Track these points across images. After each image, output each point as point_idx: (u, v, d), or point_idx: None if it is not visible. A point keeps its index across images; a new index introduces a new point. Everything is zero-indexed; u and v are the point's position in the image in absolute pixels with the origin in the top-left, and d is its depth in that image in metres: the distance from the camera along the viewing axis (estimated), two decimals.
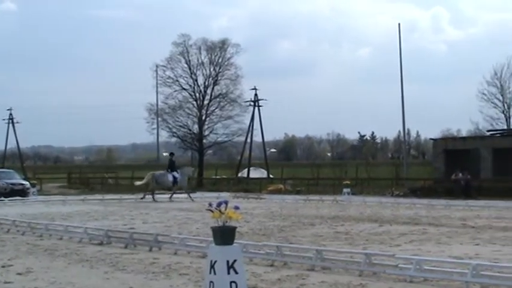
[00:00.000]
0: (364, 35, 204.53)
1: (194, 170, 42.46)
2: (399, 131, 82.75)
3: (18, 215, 25.64)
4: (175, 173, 39.65)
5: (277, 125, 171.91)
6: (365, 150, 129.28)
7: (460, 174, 43.88)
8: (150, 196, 38.52)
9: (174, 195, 39.50)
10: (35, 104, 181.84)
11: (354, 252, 13.34)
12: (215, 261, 8.78)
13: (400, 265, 11.46)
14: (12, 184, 44.13)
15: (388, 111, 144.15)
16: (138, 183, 41.58)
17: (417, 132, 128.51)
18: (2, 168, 57.51)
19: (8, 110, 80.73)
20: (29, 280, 11.54)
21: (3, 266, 13.31)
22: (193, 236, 16.94)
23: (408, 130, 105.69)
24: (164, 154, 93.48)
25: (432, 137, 59.65)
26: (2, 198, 38.57)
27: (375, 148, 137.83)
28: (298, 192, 46.07)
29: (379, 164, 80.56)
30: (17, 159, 78.95)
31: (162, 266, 12.89)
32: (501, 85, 62.79)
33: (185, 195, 39.23)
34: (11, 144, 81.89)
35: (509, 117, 62.51)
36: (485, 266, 11.15)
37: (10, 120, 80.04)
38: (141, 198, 38.39)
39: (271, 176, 67.26)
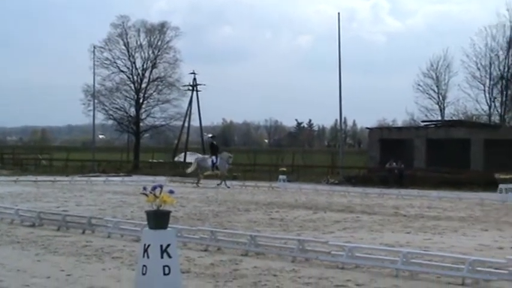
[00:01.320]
0: (305, 23, 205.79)
1: (231, 156, 39.66)
2: (336, 120, 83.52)
3: None
4: (214, 158, 38.55)
5: (215, 110, 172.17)
6: (302, 137, 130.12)
7: (394, 164, 44.47)
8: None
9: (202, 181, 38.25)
10: None
11: (287, 238, 13.43)
12: (148, 245, 8.73)
13: (332, 252, 11.58)
14: None
15: (325, 99, 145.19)
16: (188, 170, 41.30)
17: (354, 121, 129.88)
18: None
19: None
20: None
21: None
22: (127, 219, 16.85)
23: (345, 119, 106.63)
24: (100, 136, 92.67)
25: (368, 126, 60.16)
26: None
27: (311, 136, 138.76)
28: (234, 178, 46.07)
29: (316, 152, 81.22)
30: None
31: (95, 249, 12.79)
32: (437, 77, 63.62)
33: (219, 181, 37.59)
34: None
35: (444, 109, 63.45)
36: (416, 253, 11.35)
37: None
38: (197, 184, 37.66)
39: None
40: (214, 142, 40.56)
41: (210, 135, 47.72)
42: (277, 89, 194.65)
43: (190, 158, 70.36)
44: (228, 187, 36.25)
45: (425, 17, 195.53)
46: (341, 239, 14.33)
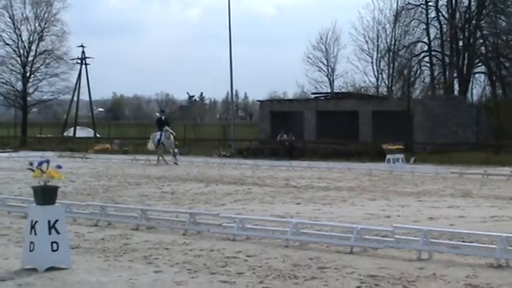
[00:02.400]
0: None
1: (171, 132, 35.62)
2: (227, 92, 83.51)
3: None
4: (159, 134, 35.18)
5: (105, 84, 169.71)
6: (194, 111, 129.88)
7: (285, 136, 45.03)
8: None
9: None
10: None
11: (179, 211, 13.43)
12: (36, 222, 8.60)
13: (223, 224, 11.65)
14: None
15: (217, 72, 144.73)
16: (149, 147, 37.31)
17: (245, 94, 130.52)
18: None
19: None
20: None
21: None
22: (14, 196, 16.47)
23: (236, 92, 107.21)
24: None
25: (259, 99, 60.61)
26: None
27: (203, 109, 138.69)
28: (125, 152, 45.72)
29: (207, 125, 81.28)
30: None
31: None
32: (326, 49, 64.63)
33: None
34: None
35: (333, 81, 64.54)
36: (305, 224, 11.54)
37: None
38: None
39: (98, 135, 66.40)
40: (162, 117, 36.98)
41: (159, 112, 42.98)
42: (168, 62, 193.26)
43: (81, 132, 69.42)
44: (176, 163, 33.40)
45: None
46: (232, 211, 14.42)
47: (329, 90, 62.11)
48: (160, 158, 34.52)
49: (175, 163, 33.52)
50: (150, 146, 36.53)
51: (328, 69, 64.55)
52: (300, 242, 10.64)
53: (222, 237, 11.27)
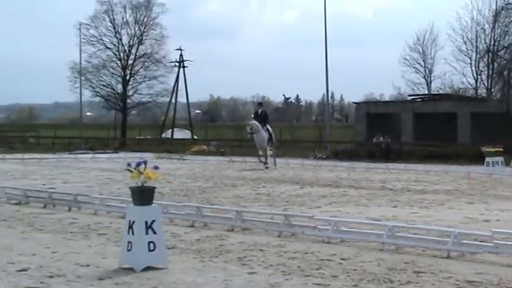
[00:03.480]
0: None
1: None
2: (323, 94, 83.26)
3: None
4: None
5: (202, 86, 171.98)
6: (289, 113, 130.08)
7: (381, 138, 44.58)
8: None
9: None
10: None
11: (273, 213, 13.43)
12: (133, 222, 8.76)
13: (318, 226, 11.60)
14: None
15: (313, 74, 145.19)
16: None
17: (341, 96, 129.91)
18: None
19: None
20: None
21: None
22: (113, 196, 16.81)
23: (332, 93, 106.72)
24: (88, 114, 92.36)
25: (355, 101, 60.18)
26: None
27: (299, 111, 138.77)
28: (221, 154, 46.14)
29: (303, 127, 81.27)
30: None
31: (81, 226, 12.77)
32: (423, 51, 63.56)
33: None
34: None
35: (430, 83, 63.43)
36: (402, 227, 11.38)
37: None
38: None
39: (195, 137, 67.24)
40: (259, 111, 33.62)
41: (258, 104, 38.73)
42: (264, 64, 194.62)
43: (178, 134, 70.47)
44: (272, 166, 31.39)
45: None
46: (327, 213, 14.35)
47: (426, 92, 61.14)
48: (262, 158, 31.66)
49: (264, 163, 31.14)
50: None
51: (425, 71, 63.50)
52: (396, 245, 10.51)
53: (316, 239, 11.23)
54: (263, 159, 31.63)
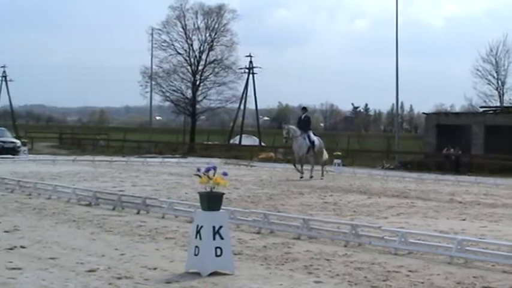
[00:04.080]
0: (362, 6, 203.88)
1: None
2: (393, 104, 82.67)
3: (8, 173, 25.61)
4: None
5: (271, 93, 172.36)
6: (358, 122, 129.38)
7: (452, 150, 43.98)
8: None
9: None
10: (30, 63, 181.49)
11: (340, 222, 13.35)
12: (201, 227, 8.81)
13: (385, 237, 11.50)
14: (3, 142, 44.12)
15: (382, 84, 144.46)
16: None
17: (411, 106, 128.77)
18: None
19: (1, 67, 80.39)
20: (15, 238, 11.54)
21: None
22: (181, 200, 16.95)
23: (402, 103, 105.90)
24: (157, 118, 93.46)
25: (425, 112, 59.57)
26: None
27: (367, 120, 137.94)
28: (288, 161, 46.08)
29: (371, 137, 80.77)
30: (9, 118, 78.73)
31: (149, 229, 12.91)
32: (496, 62, 62.70)
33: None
34: (4, 102, 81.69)
35: (503, 95, 62.53)
36: (471, 241, 11.21)
37: (3, 78, 79.73)
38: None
39: (262, 143, 67.37)
40: (302, 116, 31.29)
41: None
42: (333, 72, 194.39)
43: (246, 140, 70.71)
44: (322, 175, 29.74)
45: (485, 1, 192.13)
46: (395, 224, 14.21)
47: (498, 104, 60.13)
48: (298, 166, 29.74)
49: (301, 172, 29.12)
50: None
51: (498, 83, 62.60)
52: (465, 259, 10.34)
53: (383, 250, 11.13)
54: (299, 167, 29.60)
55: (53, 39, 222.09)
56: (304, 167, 29.70)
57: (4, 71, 79.71)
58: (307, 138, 29.71)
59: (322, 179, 29.15)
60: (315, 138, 30.27)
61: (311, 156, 30.16)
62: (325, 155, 31.24)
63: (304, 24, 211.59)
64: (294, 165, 30.34)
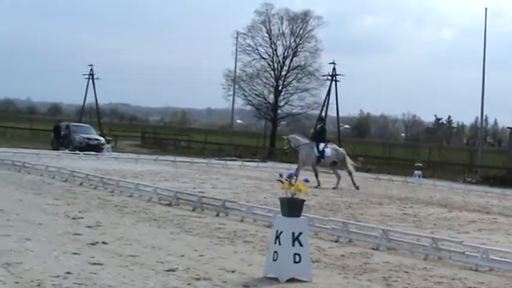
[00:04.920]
0: (449, 16, 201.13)
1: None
2: (477, 117, 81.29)
3: (92, 169, 26.13)
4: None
5: (352, 101, 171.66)
6: (440, 133, 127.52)
7: None
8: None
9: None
10: (116, 62, 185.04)
11: (420, 235, 13.16)
12: (281, 232, 8.81)
13: (466, 252, 11.30)
14: (88, 139, 45.12)
15: (467, 96, 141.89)
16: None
17: (495, 119, 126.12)
18: (79, 122, 58.58)
19: (89, 65, 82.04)
20: (97, 234, 11.77)
21: (74, 218, 13.63)
22: (260, 204, 16.99)
23: (486, 117, 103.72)
24: (238, 121, 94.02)
25: (510, 126, 58.26)
26: (77, 152, 39.46)
27: (450, 132, 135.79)
28: (368, 170, 45.74)
29: (453, 149, 79.45)
30: (94, 115, 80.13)
31: (228, 232, 12.99)
32: None
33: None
34: (90, 99, 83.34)
35: None
36: None
37: (90, 76, 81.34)
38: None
39: None
40: (318, 126, 31.54)
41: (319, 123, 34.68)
42: (417, 82, 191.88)
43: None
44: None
45: None
46: (476, 240, 13.95)
47: None
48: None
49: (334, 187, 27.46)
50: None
51: None
52: None
53: (464, 266, 10.94)
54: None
55: (140, 40, 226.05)
56: (326, 178, 29.50)
57: (91, 69, 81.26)
58: (315, 148, 28.83)
59: (357, 189, 27.59)
60: (329, 149, 29.00)
61: (334, 167, 29.28)
62: (349, 165, 29.55)
63: (390, 32, 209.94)
64: (296, 175, 29.03)
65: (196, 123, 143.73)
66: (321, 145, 28.94)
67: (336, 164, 29.19)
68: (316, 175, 28.32)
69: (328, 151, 28.94)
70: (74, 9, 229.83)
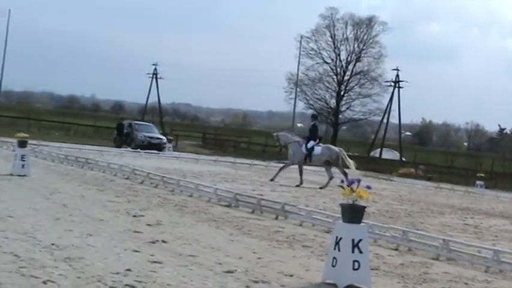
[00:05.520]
0: None
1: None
2: None
3: (153, 168, 26.38)
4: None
5: (414, 108, 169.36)
6: (503, 144, 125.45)
7: None
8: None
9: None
10: (179, 62, 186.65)
11: (482, 247, 12.96)
12: (340, 238, 8.77)
13: None
14: (150, 138, 45.59)
15: None
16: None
17: None
18: (142, 121, 59.27)
19: (153, 65, 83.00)
20: (157, 232, 11.87)
21: (134, 216, 13.77)
22: (319, 209, 16.94)
23: None
24: (299, 125, 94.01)
25: None
26: (139, 151, 39.92)
27: None
28: (429, 179, 45.33)
29: None
30: (156, 114, 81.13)
31: (287, 236, 12.97)
32: None
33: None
34: (153, 98, 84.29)
35: None
36: None
37: (154, 76, 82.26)
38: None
39: (403, 159, 66.47)
40: (312, 123, 29.74)
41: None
42: (482, 90, 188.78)
43: (386, 154, 70.00)
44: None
45: None
46: None
47: None
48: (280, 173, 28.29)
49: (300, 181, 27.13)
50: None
51: None
52: None
53: None
54: (281, 171, 28.45)
55: (203, 41, 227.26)
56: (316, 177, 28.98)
57: (155, 69, 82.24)
58: (303, 146, 28.09)
59: (322, 189, 26.36)
60: (319, 148, 28.24)
61: (327, 167, 28.53)
62: (351, 165, 28.95)
63: (454, 40, 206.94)
64: (280, 169, 28.85)
65: (257, 126, 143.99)
66: (311, 143, 28.14)
67: (330, 164, 28.41)
68: (301, 173, 27.70)
69: (318, 149, 28.23)
70: (140, 8, 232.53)
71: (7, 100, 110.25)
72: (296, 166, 28.49)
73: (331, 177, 27.72)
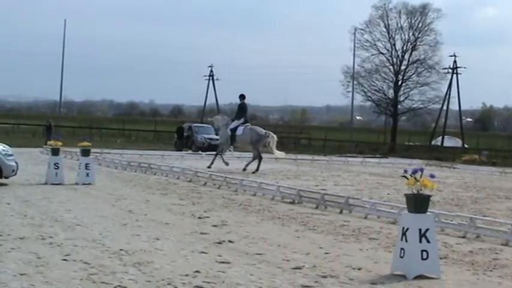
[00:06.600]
0: None
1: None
2: None
3: (215, 169, 26.49)
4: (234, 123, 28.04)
5: (474, 94, 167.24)
6: None
7: None
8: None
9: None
10: (235, 62, 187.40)
11: None
12: (407, 229, 8.72)
13: None
14: (210, 139, 45.81)
15: None
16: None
17: None
18: (201, 123, 59.62)
19: (209, 66, 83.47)
20: (223, 232, 11.95)
21: (199, 217, 13.89)
22: (383, 201, 16.83)
23: None
24: (358, 118, 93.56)
25: None
26: (200, 153, 40.18)
27: None
28: (493, 164, 44.58)
29: None
30: (215, 115, 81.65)
31: (352, 229, 12.94)
32: None
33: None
34: (210, 100, 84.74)
35: None
36: None
37: (210, 77, 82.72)
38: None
39: (465, 145, 65.59)
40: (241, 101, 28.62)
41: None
42: None
43: (448, 142, 69.18)
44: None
45: None
46: None
47: None
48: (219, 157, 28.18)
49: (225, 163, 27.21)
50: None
51: None
52: None
53: None
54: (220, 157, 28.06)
55: (257, 40, 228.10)
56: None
57: (211, 70, 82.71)
58: (228, 128, 27.70)
59: (244, 170, 26.59)
60: (241, 129, 27.56)
61: (256, 148, 27.90)
62: (275, 152, 28.91)
63: (511, 23, 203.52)
64: (215, 155, 28.43)
65: (316, 121, 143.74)
66: (235, 123, 27.65)
67: (254, 144, 27.86)
68: (220, 155, 27.82)
69: (240, 130, 27.59)
70: (194, 13, 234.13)
71: (69, 110, 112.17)
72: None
73: (255, 158, 27.77)
